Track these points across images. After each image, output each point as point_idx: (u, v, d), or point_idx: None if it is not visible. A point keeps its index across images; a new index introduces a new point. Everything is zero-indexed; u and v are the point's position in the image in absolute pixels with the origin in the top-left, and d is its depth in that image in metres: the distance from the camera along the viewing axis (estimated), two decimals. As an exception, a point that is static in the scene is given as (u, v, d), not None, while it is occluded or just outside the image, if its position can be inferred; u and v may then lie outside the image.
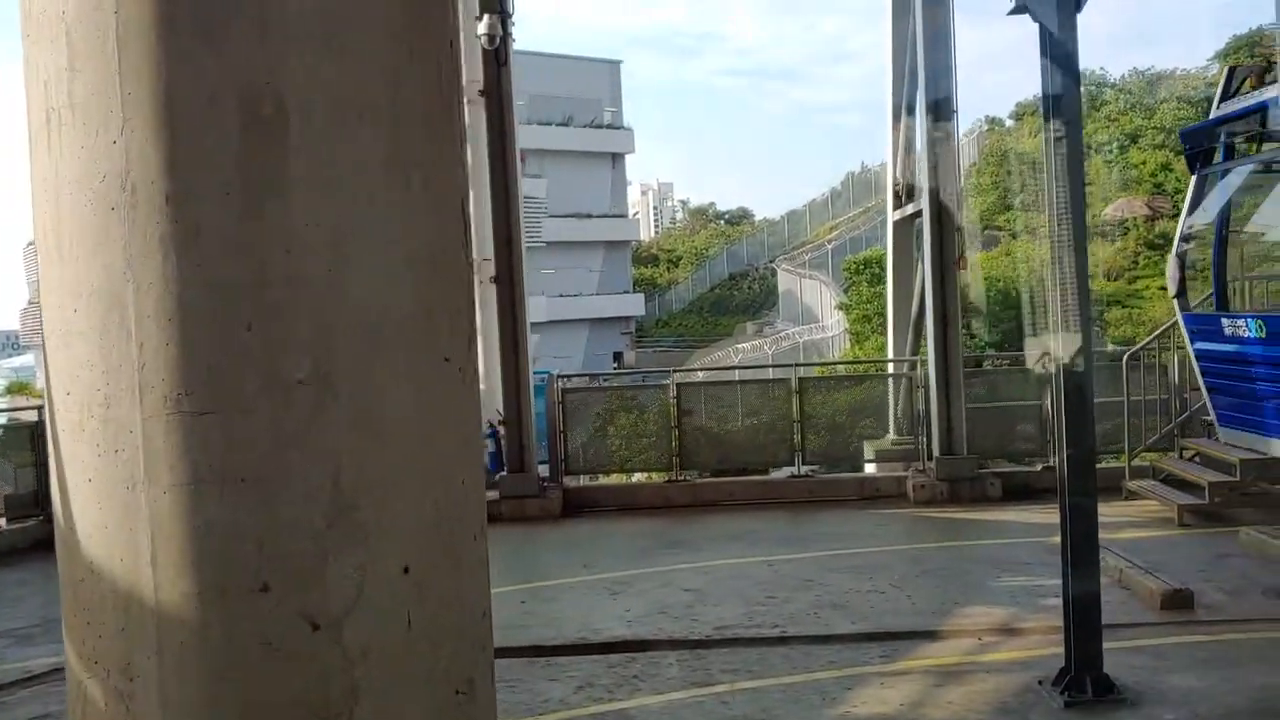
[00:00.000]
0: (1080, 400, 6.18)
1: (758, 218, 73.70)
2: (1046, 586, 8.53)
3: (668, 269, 66.05)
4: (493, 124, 11.88)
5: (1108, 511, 10.50)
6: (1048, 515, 10.58)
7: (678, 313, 61.32)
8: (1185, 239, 10.39)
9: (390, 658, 2.98)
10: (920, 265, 12.33)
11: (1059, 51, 6.15)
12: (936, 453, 11.84)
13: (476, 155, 12.21)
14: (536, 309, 51.11)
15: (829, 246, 44.78)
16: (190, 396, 2.80)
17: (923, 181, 11.88)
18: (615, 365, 54.80)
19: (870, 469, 13.26)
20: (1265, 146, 9.32)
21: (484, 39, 11.64)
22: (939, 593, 8.55)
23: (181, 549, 2.82)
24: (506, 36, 11.86)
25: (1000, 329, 22.50)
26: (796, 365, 14.94)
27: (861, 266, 33.83)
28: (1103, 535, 9.60)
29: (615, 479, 13.32)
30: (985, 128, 43.01)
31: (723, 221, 74.49)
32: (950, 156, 11.81)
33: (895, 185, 13.38)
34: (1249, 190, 9.96)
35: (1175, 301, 10.55)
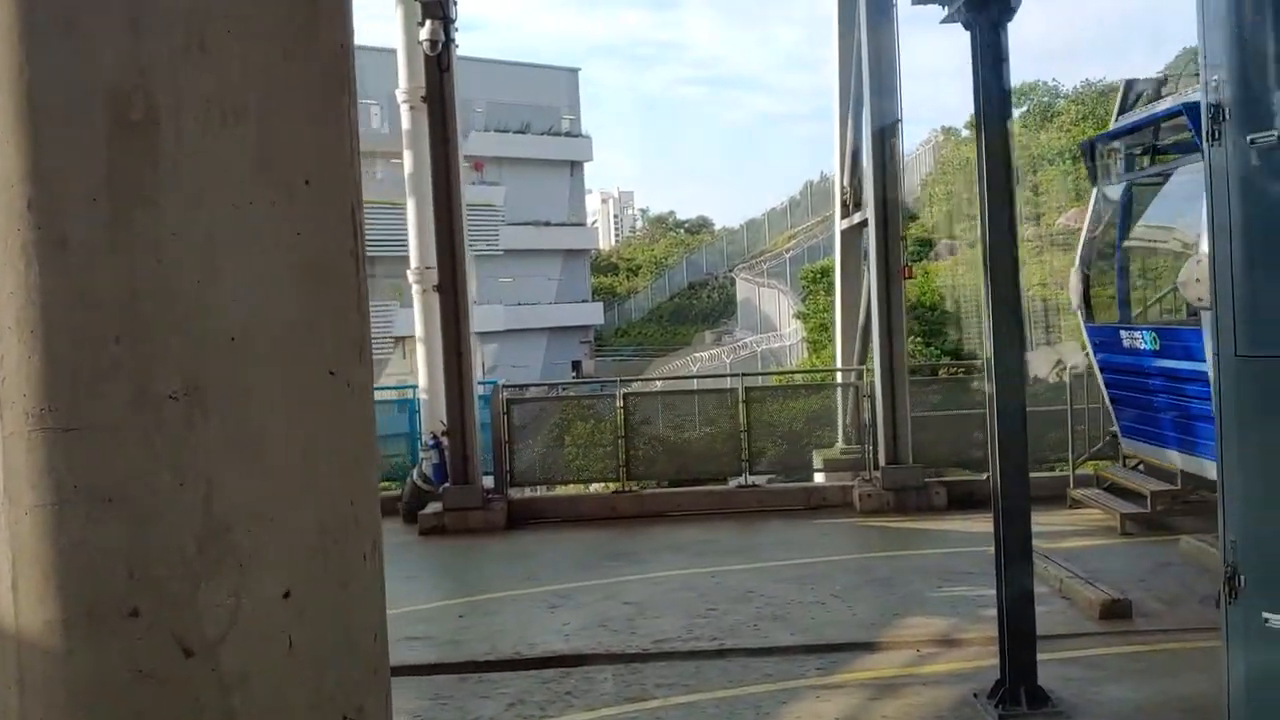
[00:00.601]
0: (1013, 409, 6.15)
1: (717, 226, 73.84)
2: (987, 596, 8.44)
3: (627, 278, 66.02)
4: (435, 130, 11.73)
5: (1052, 520, 10.57)
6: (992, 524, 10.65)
7: (637, 321, 61.29)
8: (1086, 251, 10.37)
9: (271, 684, 2.84)
10: (867, 274, 12.31)
11: (989, 59, 6.12)
12: (882, 462, 11.82)
13: (419, 161, 12.09)
14: (494, 318, 51.16)
15: (787, 255, 44.89)
16: (54, 412, 2.66)
17: (869, 191, 11.87)
18: (574, 374, 54.61)
19: (820, 478, 13.22)
20: (1158, 159, 9.26)
21: (425, 44, 11.48)
22: (880, 603, 8.50)
23: (45, 573, 2.68)
24: (449, 43, 11.72)
25: (955, 338, 22.59)
26: (743, 375, 14.89)
27: (819, 275, 33.89)
28: (1045, 544, 9.68)
29: (562, 490, 13.18)
30: (941, 138, 43.32)
31: (682, 230, 74.57)
32: (896, 166, 11.82)
33: (843, 194, 13.37)
34: (1144, 203, 9.92)
35: (1079, 313, 10.56)
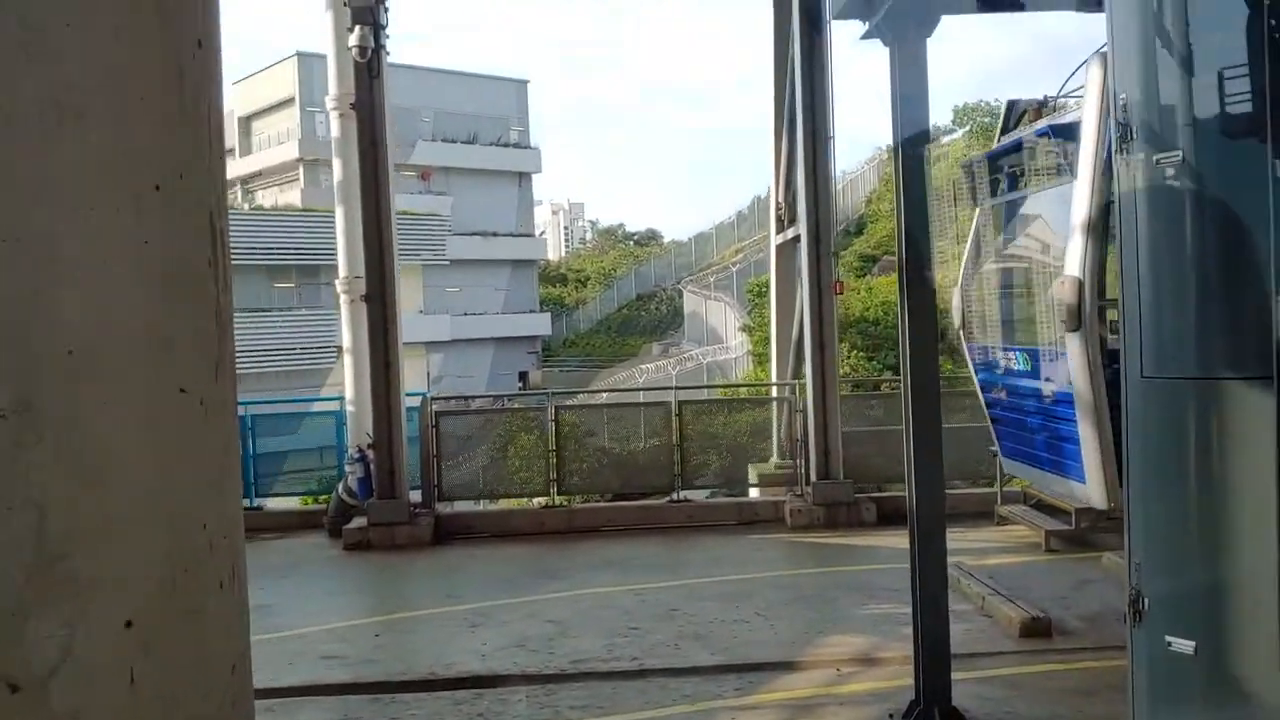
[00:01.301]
0: (928, 428, 6.10)
1: (666, 239, 74.00)
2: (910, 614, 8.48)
3: (576, 289, 65.87)
4: (364, 137, 11.56)
5: (979, 536, 10.58)
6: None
7: (585, 333, 61.14)
8: (967, 269, 10.31)
9: (109, 721, 2.68)
10: (800, 289, 12.28)
11: (908, 76, 6.08)
12: (814, 477, 11.78)
13: (349, 169, 11.88)
14: (440, 327, 50.71)
15: (734, 269, 45.01)
16: None
17: (802, 206, 11.85)
18: (521, 385, 54.34)
19: (754, 493, 13.16)
20: (1032, 180, 9.03)
21: (355, 51, 11.31)
22: (803, 621, 8.43)
23: None
24: (379, 49, 11.55)
25: (898, 352, 22.69)
26: (676, 388, 14.78)
27: (764, 289, 33.94)
28: (971, 561, 9.68)
29: (492, 504, 13.00)
30: (886, 156, 43.66)
31: (632, 242, 74.57)
32: (828, 182, 11.82)
33: (778, 210, 13.36)
34: (1016, 223, 9.87)
35: (960, 333, 10.47)
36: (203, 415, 2.97)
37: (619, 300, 61.62)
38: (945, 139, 36.33)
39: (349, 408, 12.08)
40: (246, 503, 12.85)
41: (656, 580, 9.75)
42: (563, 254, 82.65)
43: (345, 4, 11.42)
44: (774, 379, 14.07)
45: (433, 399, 12.47)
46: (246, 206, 50.27)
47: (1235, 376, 4.07)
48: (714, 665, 7.48)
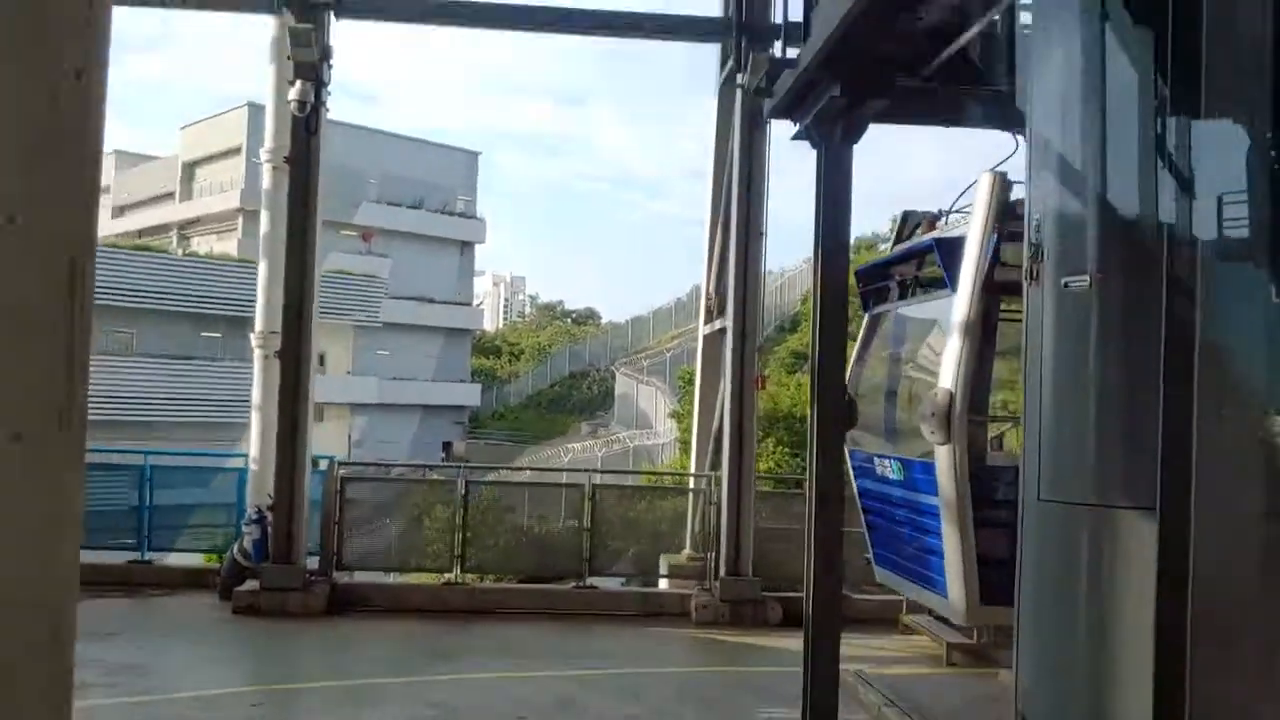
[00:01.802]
0: (828, 533, 6.01)
1: (604, 320, 74.22)
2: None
3: (510, 361, 65.59)
4: (296, 192, 11.38)
5: (880, 644, 10.45)
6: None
7: (515, 406, 60.74)
8: (853, 375, 10.26)
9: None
10: (722, 382, 12.23)
11: (833, 177, 6.11)
12: (723, 573, 11.60)
13: (275, 223, 11.69)
14: (367, 390, 49.92)
15: (668, 354, 45.12)
16: None
17: (730, 298, 11.85)
18: (444, 455, 53.62)
19: (664, 584, 12.94)
20: (917, 291, 9.01)
21: (294, 105, 11.19)
22: (696, 722, 8.20)
23: None
24: (319, 105, 11.45)
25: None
26: (590, 471, 14.59)
27: (694, 376, 34.07)
28: (872, 669, 9.53)
29: (397, 576, 12.62)
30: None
31: (570, 320, 74.71)
32: (758, 277, 11.85)
33: (708, 300, 13.34)
34: (897, 332, 9.77)
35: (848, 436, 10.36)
36: (33, 465, 2.76)
37: (551, 376, 61.42)
38: (882, 245, 36.96)
39: (252, 465, 11.72)
40: (136, 556, 12.37)
41: (553, 669, 9.47)
42: (500, 325, 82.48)
43: (288, 58, 11.32)
44: (693, 469, 13.95)
45: (340, 464, 12.12)
46: (180, 252, 49.54)
47: (1129, 506, 4.03)
48: (600, 764, 7.22)
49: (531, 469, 30.15)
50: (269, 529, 11.29)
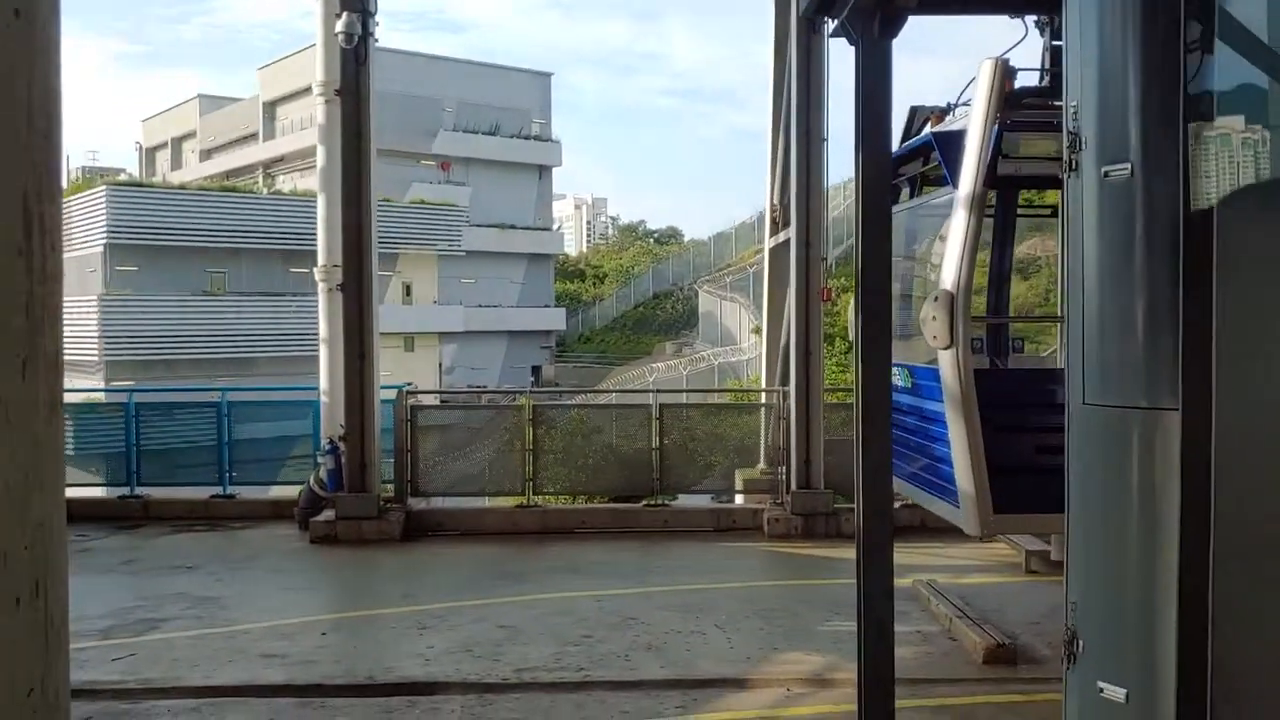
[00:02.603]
0: (876, 442, 5.81)
1: (686, 238, 73.64)
2: (875, 634, 8.19)
3: (594, 284, 65.63)
4: (348, 124, 11.33)
5: (958, 553, 10.26)
6: (900, 555, 10.31)
7: (600, 329, 60.91)
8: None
9: None
10: (789, 294, 11.98)
11: (872, 76, 5.79)
12: (793, 486, 11.48)
13: (332, 156, 11.67)
14: (454, 318, 50.47)
15: (750, 270, 44.60)
16: None
17: (793, 209, 11.54)
18: (533, 379, 54.21)
19: (740, 499, 12.88)
20: (924, 190, 8.36)
21: (341, 37, 11.08)
22: (763, 635, 8.14)
23: None
24: (367, 35, 11.32)
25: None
26: (658, 391, 14.49)
27: (774, 290, 33.64)
28: (946, 579, 9.37)
29: (465, 502, 12.76)
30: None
31: (652, 240, 74.29)
32: (820, 185, 11.50)
33: (773, 212, 13.04)
34: (902, 234, 9.22)
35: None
36: (3, 418, 2.72)
37: (636, 298, 61.33)
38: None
39: (323, 398, 11.86)
40: (219, 490, 12.69)
41: (620, 587, 9.49)
42: (583, 249, 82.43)
43: (332, -12, 11.21)
44: (763, 384, 13.77)
45: (408, 392, 12.21)
46: (266, 190, 50.25)
47: (1178, 408, 3.77)
48: (661, 680, 7.20)
49: (606, 390, 30.26)
50: (342, 459, 11.46)
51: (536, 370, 55.28)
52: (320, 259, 11.74)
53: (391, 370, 47.76)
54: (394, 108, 52.79)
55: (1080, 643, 3.87)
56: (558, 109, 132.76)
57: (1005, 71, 6.62)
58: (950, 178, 6.93)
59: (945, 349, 6.43)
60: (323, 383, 11.85)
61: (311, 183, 51.83)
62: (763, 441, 12.89)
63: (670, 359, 46.91)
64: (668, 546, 11.23)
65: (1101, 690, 3.79)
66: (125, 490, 12.69)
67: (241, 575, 10.12)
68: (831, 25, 6.15)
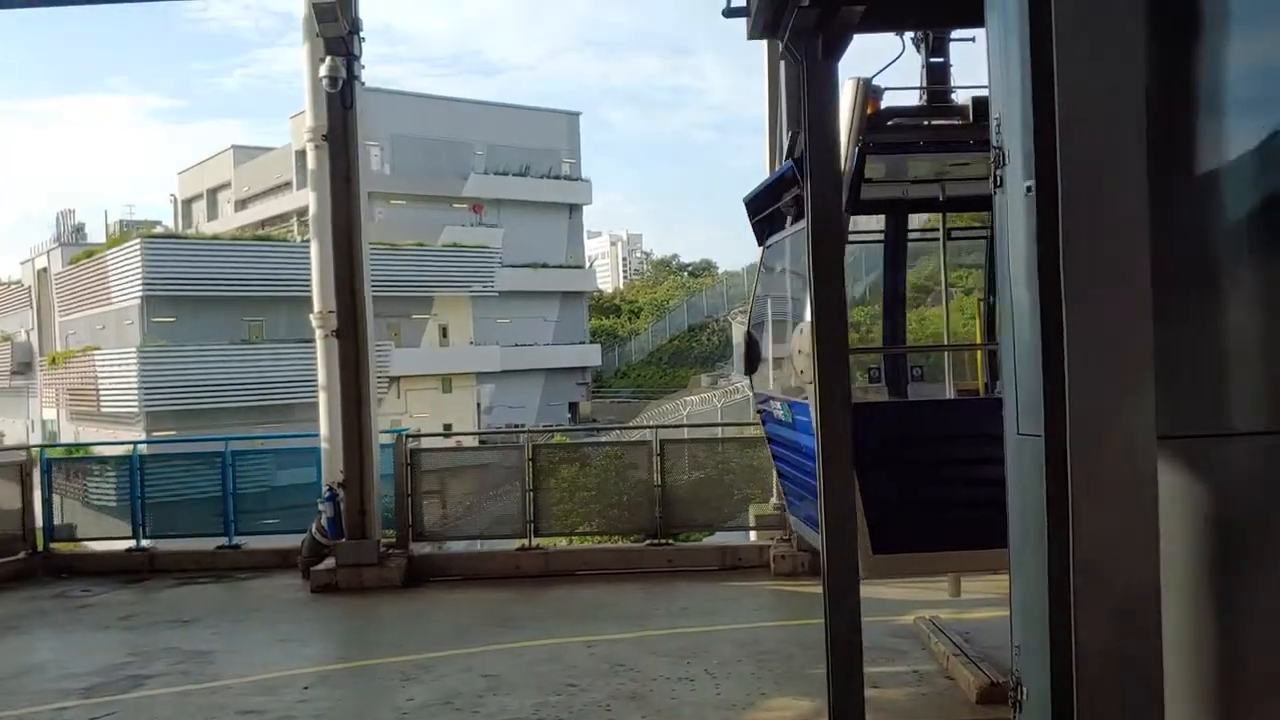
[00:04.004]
0: (838, 482, 5.58)
1: (720, 269, 73.48)
2: (871, 675, 7.87)
3: (629, 319, 65.66)
4: (337, 169, 11.31)
5: (969, 588, 9.88)
6: (909, 592, 9.99)
7: (637, 363, 60.87)
8: (752, 312, 9.21)
9: None
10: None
11: (817, 94, 5.62)
12: (799, 522, 11.18)
13: (322, 203, 11.64)
14: (490, 358, 50.66)
15: (783, 299, 44.33)
16: None
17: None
18: (570, 416, 54.19)
19: (753, 535, 12.59)
20: (791, 216, 7.61)
21: (325, 81, 11.09)
22: (752, 681, 7.87)
23: None
24: (353, 79, 11.32)
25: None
26: (657, 427, 14.28)
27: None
28: (952, 614, 9.05)
29: (467, 546, 12.60)
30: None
31: (685, 273, 74.23)
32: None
33: (774, 240, 12.80)
34: (777, 263, 8.41)
35: (749, 380, 9.22)
36: None
37: (671, 331, 61.26)
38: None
39: (324, 445, 11.77)
40: (224, 541, 12.63)
41: (614, 631, 9.25)
42: (620, 285, 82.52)
43: (318, 34, 11.21)
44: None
45: (408, 436, 12.10)
46: (299, 239, 50.83)
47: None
48: (640, 731, 6.97)
49: (608, 427, 30.04)
50: (341, 506, 11.35)
51: (573, 406, 55.28)
52: (316, 305, 11.68)
53: (430, 412, 48.19)
54: (425, 153, 53.44)
55: (1024, 689, 3.61)
56: (592, 147, 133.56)
57: (867, 91, 6.30)
58: None
59: (811, 383, 6.07)
60: (323, 429, 11.76)
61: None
62: (774, 475, 12.61)
63: (705, 391, 46.66)
64: (671, 587, 10.98)
65: (1049, 744, 3.52)
66: (132, 543, 12.66)
67: (237, 628, 10.01)
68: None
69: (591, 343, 57.67)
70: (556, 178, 56.24)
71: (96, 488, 13.15)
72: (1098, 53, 2.56)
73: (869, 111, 6.30)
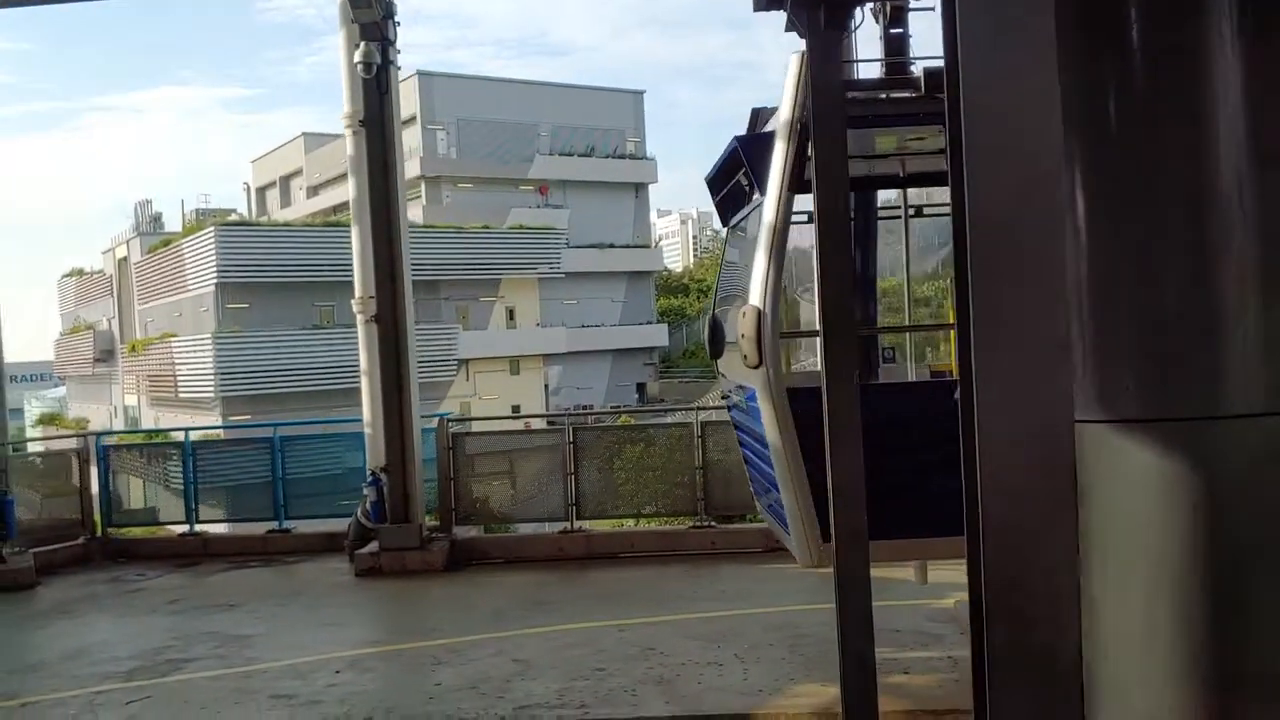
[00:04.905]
0: (849, 468, 5.40)
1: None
2: (904, 660, 7.72)
3: (698, 298, 65.35)
4: (374, 155, 11.35)
5: (950, 576, 9.62)
6: (951, 574, 9.74)
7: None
8: (717, 295, 8.75)
9: None
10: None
11: (824, 71, 5.43)
12: (843, 502, 10.97)
13: (360, 188, 11.68)
14: (556, 340, 50.82)
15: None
16: None
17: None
18: (638, 397, 54.15)
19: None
20: (746, 196, 7.13)
21: (360, 67, 11.10)
22: (781, 666, 7.75)
23: None
24: (388, 64, 11.33)
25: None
26: (698, 408, 14.10)
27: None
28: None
29: (510, 529, 12.60)
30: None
31: (754, 250, 73.63)
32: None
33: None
34: (733, 246, 8.04)
35: (716, 365, 8.55)
36: None
37: (739, 309, 60.76)
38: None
39: (367, 430, 11.84)
40: (275, 525, 12.80)
41: (647, 615, 9.17)
42: (690, 263, 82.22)
43: (353, 20, 11.22)
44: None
45: (450, 420, 12.12)
46: (368, 224, 51.33)
47: (1108, 420, 3.36)
48: (662, 717, 6.89)
49: (647, 410, 29.83)
50: (384, 490, 11.42)
51: (641, 387, 55.20)
52: (357, 291, 11.74)
53: (498, 394, 48.48)
54: (490, 135, 53.65)
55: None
56: (661, 125, 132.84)
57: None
58: (757, 184, 6.24)
59: (755, 368, 5.81)
60: (366, 414, 11.83)
61: (413, 213, 53.08)
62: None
63: (773, 370, 46.21)
64: (714, 569, 10.86)
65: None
66: (185, 528, 12.91)
67: (279, 612, 10.13)
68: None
69: (659, 322, 57.48)
70: (621, 157, 56.04)
71: (153, 474, 13.39)
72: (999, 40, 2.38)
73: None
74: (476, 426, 18.12)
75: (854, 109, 5.94)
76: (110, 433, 21.21)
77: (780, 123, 6.03)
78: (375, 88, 11.31)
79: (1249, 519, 3.36)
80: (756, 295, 5.82)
